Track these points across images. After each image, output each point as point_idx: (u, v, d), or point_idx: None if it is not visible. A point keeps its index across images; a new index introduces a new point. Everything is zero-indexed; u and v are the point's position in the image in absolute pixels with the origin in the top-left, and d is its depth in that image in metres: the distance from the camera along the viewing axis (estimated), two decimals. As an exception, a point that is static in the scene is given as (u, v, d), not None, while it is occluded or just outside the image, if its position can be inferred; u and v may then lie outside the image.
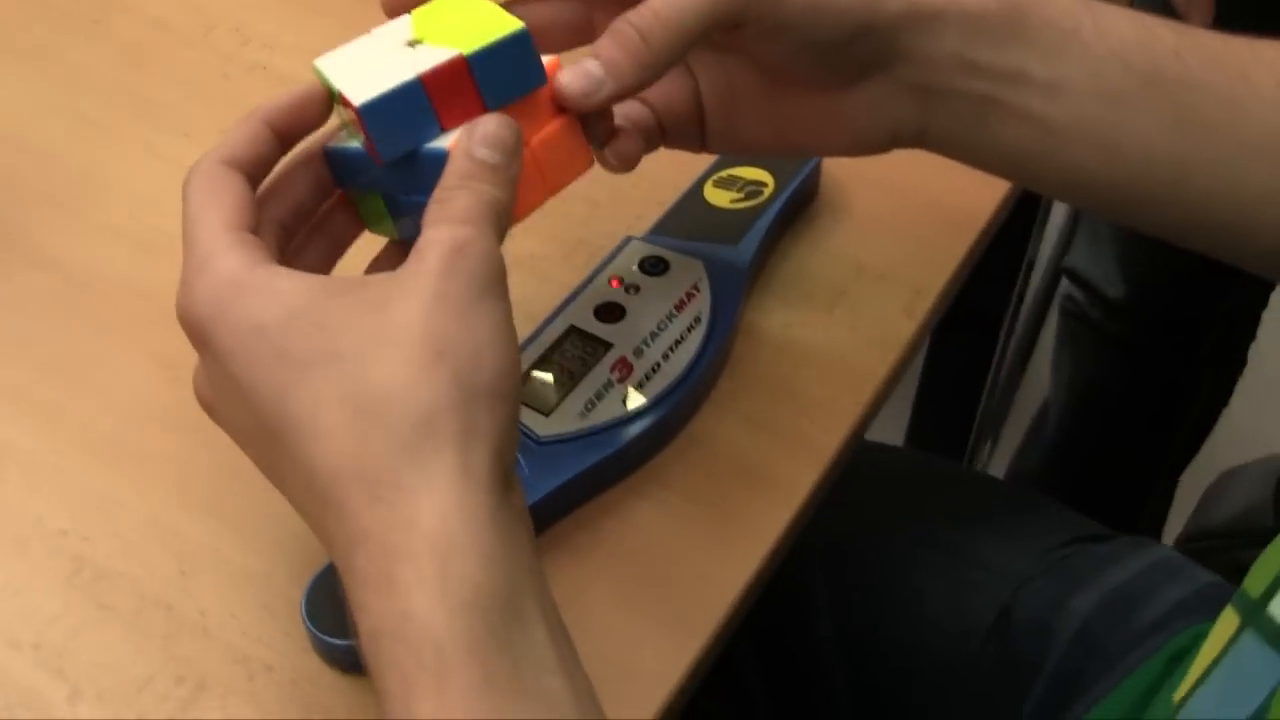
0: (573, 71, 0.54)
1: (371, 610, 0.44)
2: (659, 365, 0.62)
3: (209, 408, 0.52)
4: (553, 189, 0.55)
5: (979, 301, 1.06)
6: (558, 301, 0.65)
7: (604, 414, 0.60)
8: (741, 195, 0.70)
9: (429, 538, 0.44)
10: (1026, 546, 0.76)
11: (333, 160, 0.56)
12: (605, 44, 0.54)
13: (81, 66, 0.82)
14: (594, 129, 0.57)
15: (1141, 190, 0.58)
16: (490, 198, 0.50)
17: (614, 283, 0.66)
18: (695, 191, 0.71)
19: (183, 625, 0.58)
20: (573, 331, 0.64)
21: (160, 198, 0.74)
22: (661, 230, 0.69)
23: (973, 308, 1.07)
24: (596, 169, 0.57)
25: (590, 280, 0.66)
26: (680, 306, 0.64)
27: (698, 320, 0.64)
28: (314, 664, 0.56)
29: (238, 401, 0.49)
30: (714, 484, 0.61)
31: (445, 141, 0.52)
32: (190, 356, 0.62)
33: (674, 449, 0.62)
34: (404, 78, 0.52)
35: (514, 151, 0.52)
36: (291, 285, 0.49)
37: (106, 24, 0.85)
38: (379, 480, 0.45)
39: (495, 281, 0.49)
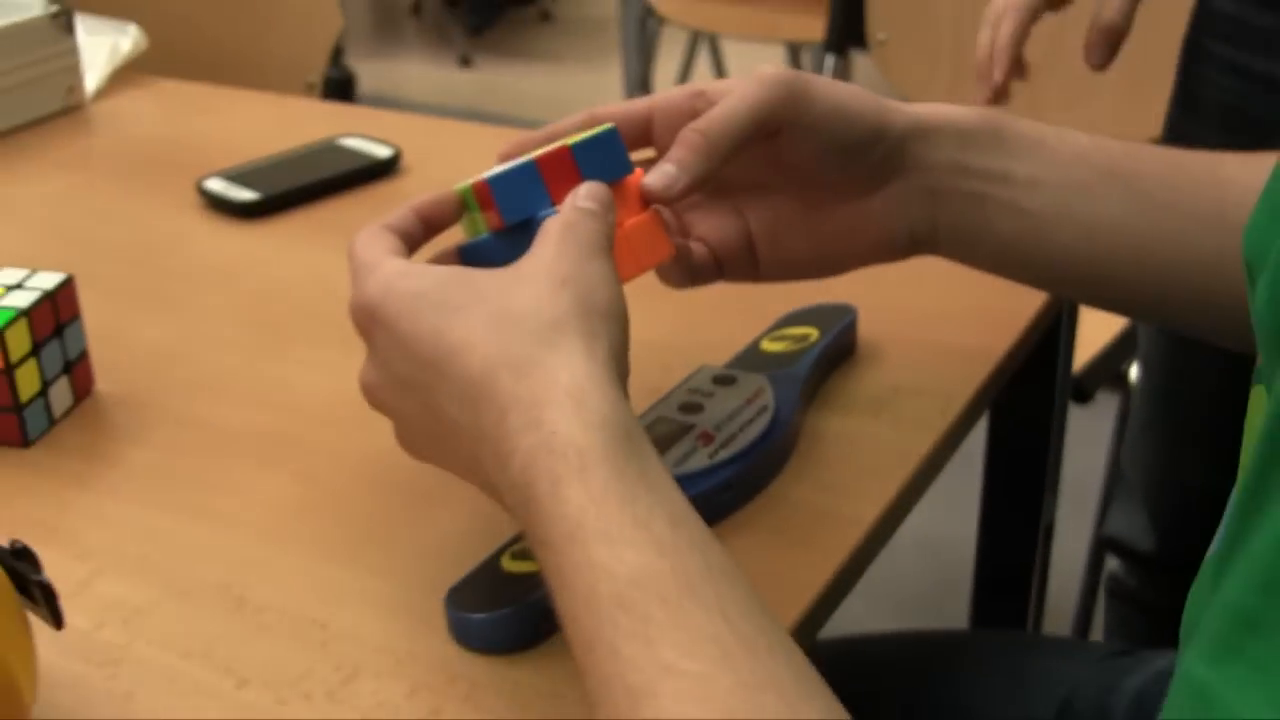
0: (653, 172, 0.68)
1: (522, 447, 0.55)
2: (735, 435, 0.73)
3: (372, 388, 0.64)
4: (642, 267, 0.69)
5: (1007, 572, 1.16)
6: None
7: (693, 465, 0.71)
8: (792, 343, 0.82)
9: (566, 388, 0.55)
10: (1079, 658, 0.85)
11: (465, 255, 0.69)
12: (675, 149, 0.68)
13: (218, 310, 0.96)
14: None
15: (1116, 265, 0.71)
16: (593, 222, 0.64)
17: (690, 391, 0.77)
18: (753, 346, 0.84)
19: (337, 634, 0.66)
20: (661, 419, 0.75)
21: (291, 383, 0.87)
22: (728, 367, 0.81)
23: (1001, 580, 1.17)
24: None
25: (671, 392, 0.78)
26: (749, 401, 0.76)
27: (765, 408, 0.75)
28: (453, 649, 0.64)
29: (401, 357, 0.61)
30: (791, 523, 0.71)
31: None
32: (326, 468, 0.74)
33: (754, 506, 0.72)
34: (523, 161, 0.67)
35: (609, 205, 0.65)
36: (442, 267, 0.62)
37: (234, 283, 1.00)
38: (523, 362, 0.57)
39: (603, 248, 0.62)
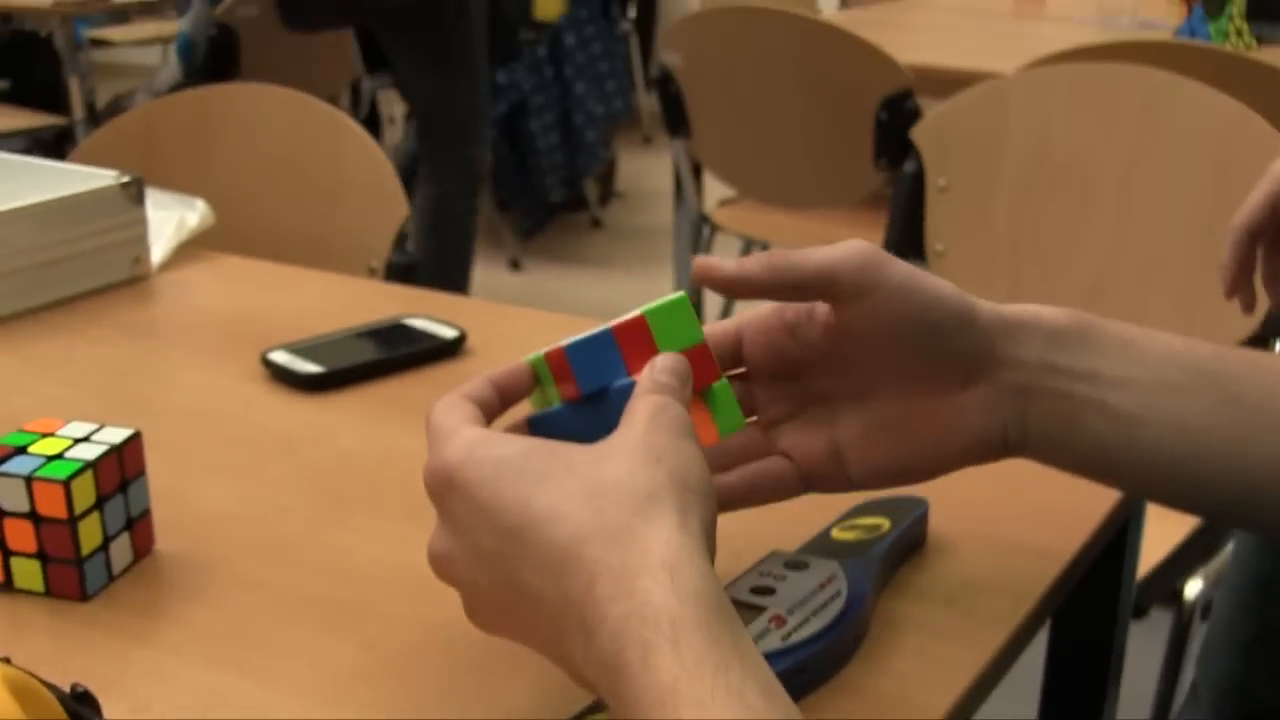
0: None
1: (612, 614, 0.54)
2: (809, 619, 0.72)
3: (444, 558, 0.63)
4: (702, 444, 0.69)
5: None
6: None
7: (766, 646, 0.70)
8: (864, 533, 0.81)
9: (660, 559, 0.55)
10: None
11: (534, 426, 0.69)
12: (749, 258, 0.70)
13: (280, 479, 0.96)
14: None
15: (1207, 466, 0.70)
16: (681, 406, 0.64)
17: (761, 575, 0.76)
18: (824, 535, 0.83)
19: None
20: (732, 601, 0.74)
21: (353, 551, 0.86)
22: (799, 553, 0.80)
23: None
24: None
25: (742, 575, 0.77)
26: (822, 586, 0.75)
27: (838, 594, 0.74)
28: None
29: (480, 525, 0.60)
30: (864, 710, 0.69)
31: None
32: (390, 636, 0.73)
33: (826, 691, 0.71)
34: (599, 330, 0.67)
35: (686, 379, 0.66)
36: (523, 437, 0.62)
37: (297, 453, 1.00)
38: (616, 531, 0.56)
39: (690, 429, 0.62)
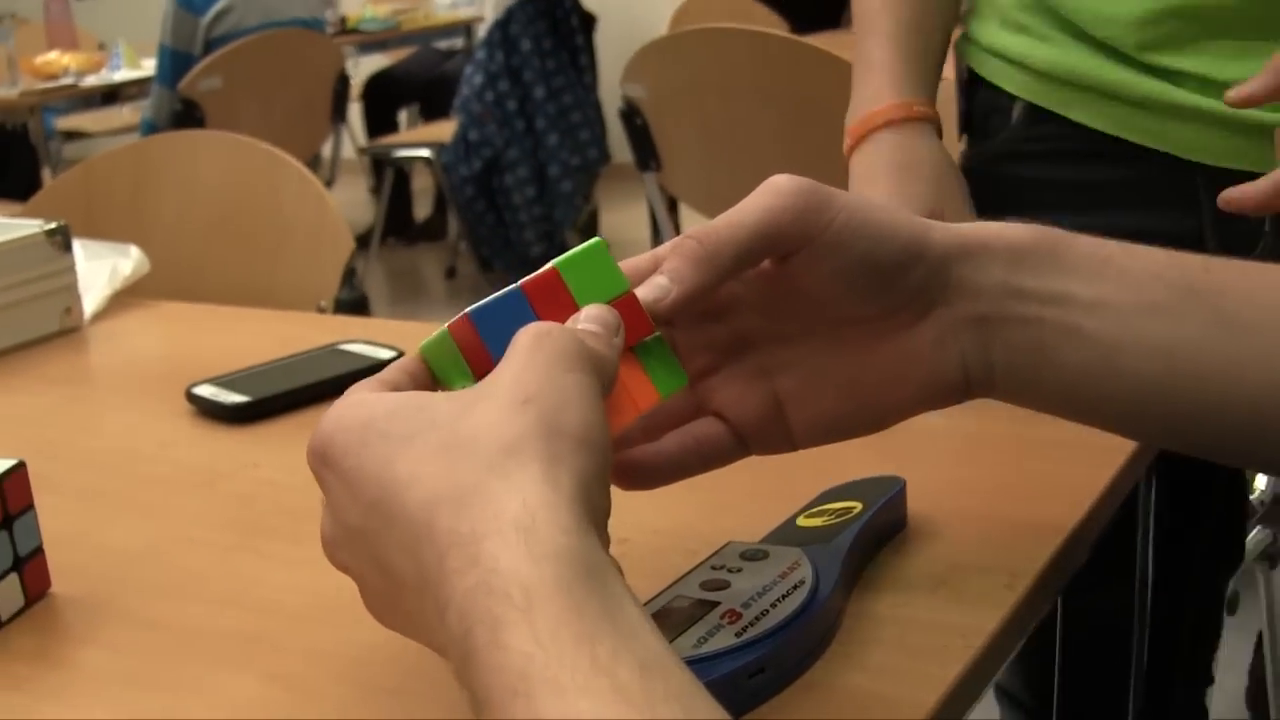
0: (644, 285, 0.60)
1: (459, 590, 0.45)
2: (767, 611, 0.62)
3: (327, 542, 0.55)
4: (640, 407, 0.60)
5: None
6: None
7: (717, 644, 0.60)
8: (833, 517, 0.72)
9: (513, 518, 0.46)
10: None
11: None
12: (670, 258, 0.60)
13: (196, 512, 0.87)
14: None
15: (1201, 395, 0.61)
16: (559, 331, 0.54)
17: (714, 568, 0.67)
18: (788, 524, 0.73)
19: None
20: (679, 598, 0.65)
21: (265, 580, 0.77)
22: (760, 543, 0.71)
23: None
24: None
25: (691, 571, 0.68)
26: (783, 576, 0.65)
27: (801, 582, 0.65)
28: None
29: (349, 500, 0.52)
30: (836, 712, 0.60)
31: None
32: (297, 668, 0.66)
33: (792, 693, 0.61)
34: (507, 290, 0.59)
35: (614, 328, 0.57)
36: (398, 394, 0.54)
37: (216, 485, 0.91)
38: (467, 492, 0.48)
39: (582, 360, 0.52)
